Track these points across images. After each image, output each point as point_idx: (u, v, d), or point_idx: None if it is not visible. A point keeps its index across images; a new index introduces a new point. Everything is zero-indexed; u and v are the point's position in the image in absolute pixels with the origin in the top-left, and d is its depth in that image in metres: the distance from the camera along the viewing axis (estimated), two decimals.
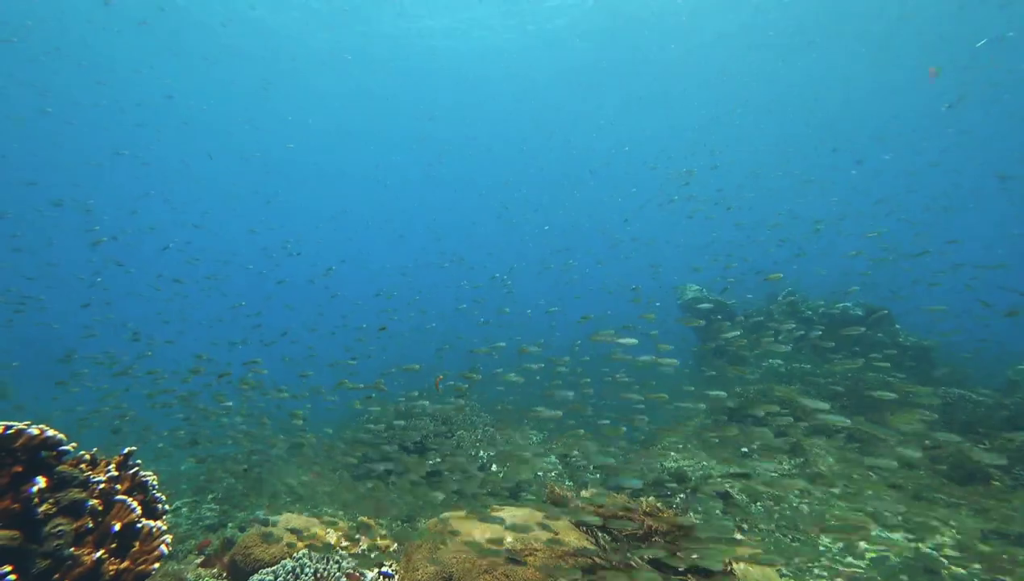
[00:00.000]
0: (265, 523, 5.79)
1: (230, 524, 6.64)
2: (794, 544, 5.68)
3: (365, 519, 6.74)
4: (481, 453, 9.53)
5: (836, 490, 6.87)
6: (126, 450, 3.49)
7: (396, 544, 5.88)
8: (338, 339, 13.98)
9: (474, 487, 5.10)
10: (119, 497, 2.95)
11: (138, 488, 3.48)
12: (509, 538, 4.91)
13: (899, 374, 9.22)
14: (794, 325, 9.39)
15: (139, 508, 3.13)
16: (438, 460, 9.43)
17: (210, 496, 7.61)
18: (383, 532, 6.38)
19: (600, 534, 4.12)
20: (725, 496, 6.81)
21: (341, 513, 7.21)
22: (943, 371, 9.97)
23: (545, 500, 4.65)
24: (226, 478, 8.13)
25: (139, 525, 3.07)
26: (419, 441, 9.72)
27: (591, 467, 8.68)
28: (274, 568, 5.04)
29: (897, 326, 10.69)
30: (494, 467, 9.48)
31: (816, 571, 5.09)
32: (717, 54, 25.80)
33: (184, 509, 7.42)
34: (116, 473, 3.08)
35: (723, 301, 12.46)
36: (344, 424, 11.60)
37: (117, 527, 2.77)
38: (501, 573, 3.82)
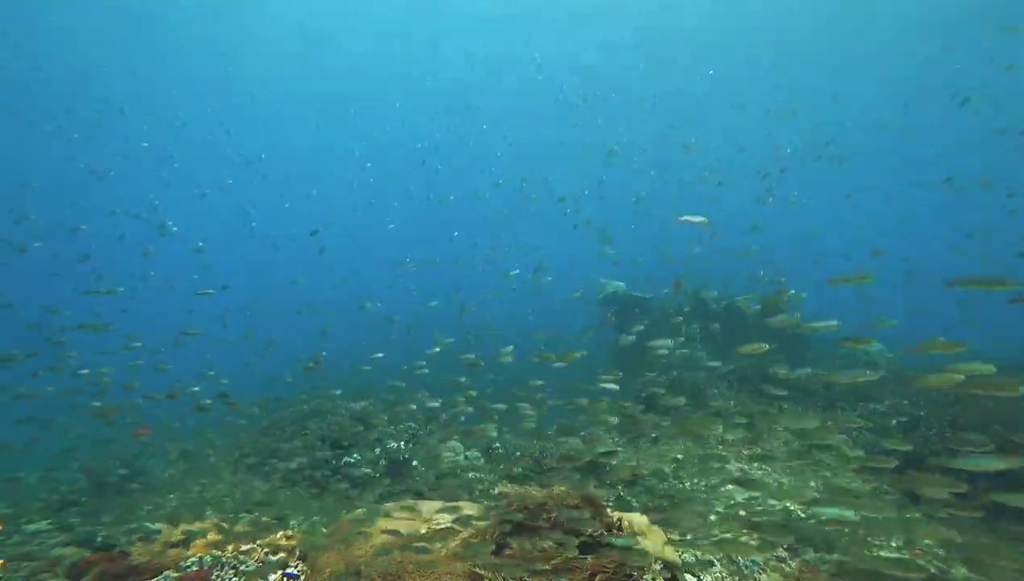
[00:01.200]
0: (149, 531, 5.13)
1: (99, 538, 5.81)
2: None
3: (267, 520, 6.23)
4: (400, 447, 9.26)
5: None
6: None
7: (302, 544, 5.50)
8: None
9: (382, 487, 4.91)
10: None
11: None
12: (423, 529, 4.79)
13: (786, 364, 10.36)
14: (699, 321, 10.21)
15: None
16: (357, 457, 9.02)
17: (75, 509, 6.59)
18: (289, 533, 5.94)
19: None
20: (634, 479, 7.22)
21: (243, 515, 6.61)
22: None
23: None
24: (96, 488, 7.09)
25: None
26: (334, 438, 9.23)
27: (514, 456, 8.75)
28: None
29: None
30: (415, 463, 9.25)
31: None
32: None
33: (41, 528, 6.35)
34: None
35: (641, 295, 13.20)
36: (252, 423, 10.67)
37: None
38: (408, 561, 3.70)
